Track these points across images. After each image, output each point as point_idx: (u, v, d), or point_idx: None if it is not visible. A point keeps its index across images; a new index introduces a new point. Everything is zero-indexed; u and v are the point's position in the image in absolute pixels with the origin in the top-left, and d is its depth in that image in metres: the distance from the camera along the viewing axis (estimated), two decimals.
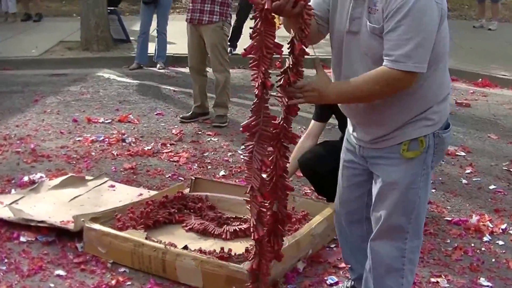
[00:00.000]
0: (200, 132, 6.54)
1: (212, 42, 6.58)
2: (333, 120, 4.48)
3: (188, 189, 4.67)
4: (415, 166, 2.78)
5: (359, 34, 2.66)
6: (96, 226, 3.85)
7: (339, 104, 2.98)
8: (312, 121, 4.43)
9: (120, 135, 6.27)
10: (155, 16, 9.66)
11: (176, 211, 4.29)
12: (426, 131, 2.74)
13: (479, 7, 13.81)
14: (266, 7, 2.48)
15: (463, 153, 6.08)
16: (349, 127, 3.05)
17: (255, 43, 2.61)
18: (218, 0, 6.46)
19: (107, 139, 6.14)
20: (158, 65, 9.66)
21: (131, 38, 11.02)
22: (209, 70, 6.98)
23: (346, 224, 3.21)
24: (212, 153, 5.90)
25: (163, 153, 5.83)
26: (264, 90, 2.67)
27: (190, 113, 6.93)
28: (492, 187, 5.29)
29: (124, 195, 4.70)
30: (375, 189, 2.87)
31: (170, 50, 10.00)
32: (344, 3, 2.71)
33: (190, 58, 6.85)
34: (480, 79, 9.28)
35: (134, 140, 6.17)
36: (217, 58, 6.66)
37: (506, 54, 10.81)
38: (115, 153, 5.78)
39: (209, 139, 6.33)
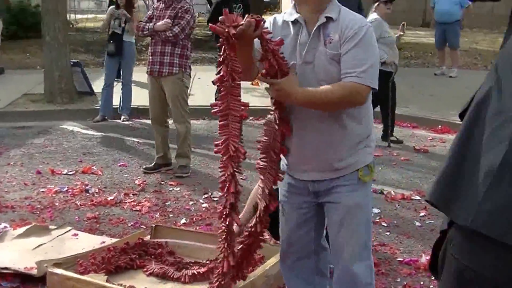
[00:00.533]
0: (162, 183, 6.84)
1: (172, 94, 6.94)
2: None
3: (149, 236, 4.95)
4: (368, 189, 3.33)
5: (313, 63, 3.07)
6: (59, 271, 4.11)
7: (295, 146, 3.31)
8: None
9: (83, 186, 6.55)
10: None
11: (137, 256, 4.57)
12: (370, 157, 3.28)
13: (439, 55, 14.43)
14: (231, 33, 2.81)
15: (418, 197, 6.45)
16: (296, 169, 3.36)
17: (228, 69, 2.92)
18: (177, 52, 6.85)
19: (70, 190, 6.42)
20: (122, 117, 9.99)
21: (96, 90, 11.29)
22: (170, 121, 7.33)
23: (296, 261, 3.52)
24: (174, 202, 6.20)
25: (125, 202, 6.12)
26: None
27: (153, 164, 7.24)
28: None
29: (87, 243, 4.96)
30: (336, 216, 3.26)
31: (135, 101, 10.33)
32: (290, 39, 3.12)
33: (152, 110, 7.20)
34: (440, 126, 9.73)
35: (97, 191, 6.45)
36: (178, 109, 7.01)
37: (466, 100, 11.25)
38: (78, 203, 6.06)
39: (171, 189, 6.64)
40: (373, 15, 8.31)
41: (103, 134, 9.16)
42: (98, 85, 11.18)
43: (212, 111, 2.99)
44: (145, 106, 9.50)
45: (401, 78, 10.52)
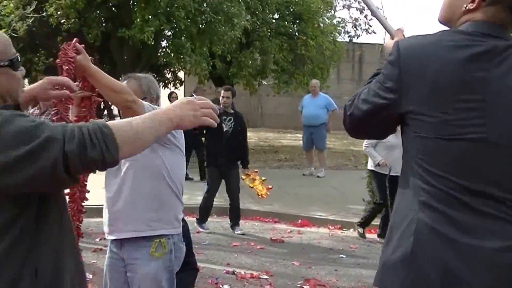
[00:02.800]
0: None
1: None
2: None
3: None
4: (161, 263, 4.32)
5: None
6: None
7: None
8: None
9: None
10: None
11: None
12: (168, 232, 4.35)
13: (307, 156, 16.44)
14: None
15: (265, 276, 8.08)
16: (109, 235, 4.45)
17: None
18: None
19: None
20: None
21: None
22: None
23: None
24: None
25: None
26: None
27: None
28: None
29: None
30: (132, 285, 4.36)
31: None
32: None
33: None
34: (299, 220, 11.51)
35: None
36: None
37: (328, 197, 13.35)
38: None
39: None
40: None
41: None
42: None
43: None
44: None
45: (270, 179, 12.37)
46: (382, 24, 3.20)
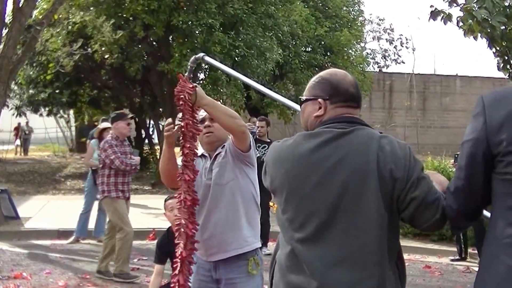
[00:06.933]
0: (81, 284, 9.00)
1: None
2: None
3: None
4: (257, 279, 4.53)
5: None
6: None
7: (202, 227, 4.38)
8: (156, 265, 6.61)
9: (16, 286, 8.64)
10: None
11: None
12: (258, 245, 4.57)
13: None
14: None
15: None
16: (202, 258, 4.52)
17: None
18: None
19: None
20: (97, 240, 11.76)
21: (21, 215, 13.47)
22: None
23: None
24: None
25: None
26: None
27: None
28: None
29: None
30: None
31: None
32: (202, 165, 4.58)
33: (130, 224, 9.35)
34: None
35: None
36: None
37: None
38: None
39: None
40: None
41: (28, 251, 11.30)
42: (21, 211, 13.54)
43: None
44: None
45: None
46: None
